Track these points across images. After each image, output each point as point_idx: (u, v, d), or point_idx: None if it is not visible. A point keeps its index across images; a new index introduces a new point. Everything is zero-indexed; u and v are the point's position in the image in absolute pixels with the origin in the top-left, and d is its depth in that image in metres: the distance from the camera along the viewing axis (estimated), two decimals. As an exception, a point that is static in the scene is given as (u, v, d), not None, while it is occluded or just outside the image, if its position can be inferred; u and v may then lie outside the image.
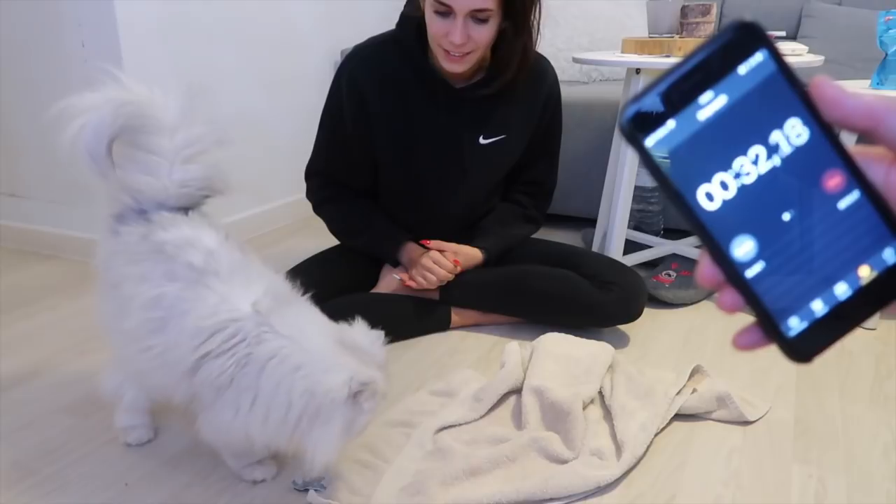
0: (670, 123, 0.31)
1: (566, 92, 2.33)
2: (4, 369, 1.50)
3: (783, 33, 1.98)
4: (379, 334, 1.05)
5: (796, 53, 1.81)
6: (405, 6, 1.56)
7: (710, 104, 0.30)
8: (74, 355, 1.56)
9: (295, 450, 1.04)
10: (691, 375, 1.39)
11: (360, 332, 1.03)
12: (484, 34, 1.40)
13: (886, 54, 1.63)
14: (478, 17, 1.38)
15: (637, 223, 2.20)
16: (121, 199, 1.08)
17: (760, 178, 0.31)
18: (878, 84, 1.65)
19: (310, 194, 1.71)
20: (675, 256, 2.01)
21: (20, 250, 2.25)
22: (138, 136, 1.04)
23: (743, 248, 0.31)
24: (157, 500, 1.10)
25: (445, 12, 1.37)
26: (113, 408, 1.23)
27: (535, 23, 1.48)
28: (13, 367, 1.51)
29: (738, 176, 0.31)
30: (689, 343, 1.62)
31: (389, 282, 1.68)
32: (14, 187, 2.27)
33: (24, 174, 2.22)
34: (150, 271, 1.01)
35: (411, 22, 1.51)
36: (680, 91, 0.30)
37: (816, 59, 1.79)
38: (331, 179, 1.67)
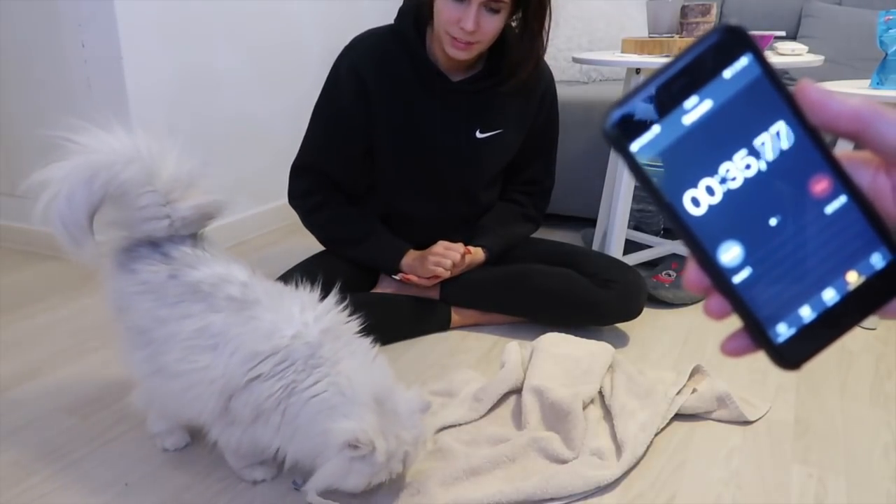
0: (655, 128, 0.31)
1: (566, 92, 2.34)
2: (4, 369, 1.50)
3: (783, 33, 1.98)
4: (423, 405, 1.05)
5: (796, 53, 1.81)
6: (403, 2, 1.57)
7: (696, 109, 0.30)
8: (74, 355, 1.56)
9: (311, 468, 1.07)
10: (691, 375, 1.39)
11: (407, 398, 1.04)
12: (493, 25, 1.43)
13: (886, 54, 1.63)
14: (491, 6, 1.40)
15: (637, 223, 2.20)
16: (128, 236, 1.09)
17: (747, 183, 0.30)
18: (877, 84, 1.65)
19: (295, 200, 1.66)
20: (674, 256, 2.01)
21: (20, 250, 2.25)
22: (123, 198, 1.04)
23: (730, 253, 0.31)
24: (157, 500, 1.10)
25: None
26: (145, 415, 1.22)
27: (548, 26, 1.51)
28: (13, 367, 1.51)
29: (724, 181, 0.31)
30: (689, 343, 1.62)
31: (390, 282, 1.68)
32: (14, 187, 2.26)
33: (24, 174, 2.21)
34: (190, 309, 1.03)
35: (409, 15, 1.54)
36: (665, 96, 0.30)
37: (816, 59, 1.79)
38: (320, 180, 1.63)
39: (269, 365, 0.99)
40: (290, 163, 1.66)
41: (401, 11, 1.57)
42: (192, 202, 1.06)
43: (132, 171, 1.01)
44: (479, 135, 1.61)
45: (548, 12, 1.48)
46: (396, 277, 1.64)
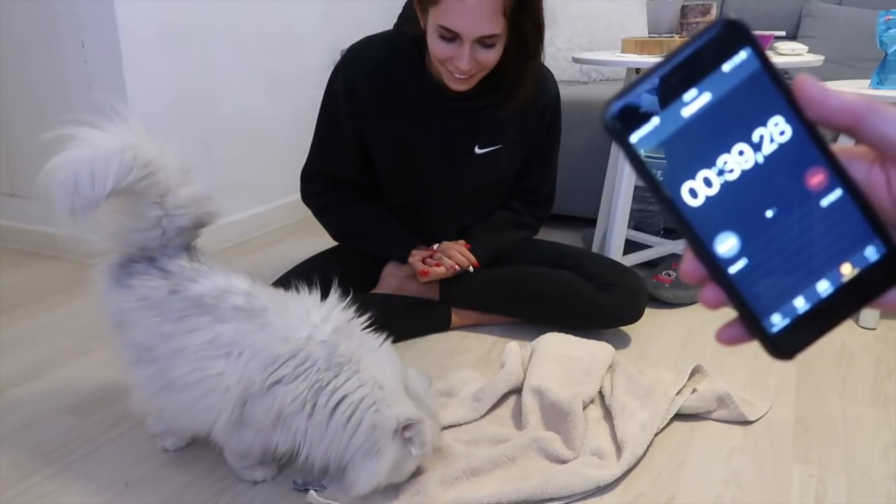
0: (655, 120, 0.31)
1: (566, 92, 2.33)
2: (4, 369, 1.50)
3: (783, 33, 1.98)
4: (429, 382, 1.13)
5: (796, 53, 1.81)
6: (404, 7, 1.54)
7: (695, 101, 0.31)
8: (74, 355, 1.56)
9: (336, 468, 1.06)
10: (691, 375, 1.39)
11: (416, 377, 1.10)
12: (491, 57, 1.40)
13: (886, 54, 1.63)
14: (485, 42, 1.37)
15: (637, 223, 2.20)
16: (120, 250, 1.09)
17: (744, 176, 0.31)
18: (877, 84, 1.65)
19: (309, 199, 1.69)
20: (674, 256, 2.01)
21: (20, 250, 2.25)
22: (134, 202, 1.04)
23: (726, 244, 0.31)
24: (157, 500, 1.10)
25: (451, 38, 1.36)
26: (141, 415, 1.21)
27: (542, 46, 1.49)
28: (13, 367, 1.51)
29: (721, 173, 0.31)
30: (689, 343, 1.62)
31: (390, 282, 1.68)
32: (14, 187, 2.27)
33: (24, 174, 2.22)
34: (197, 322, 1.02)
35: (408, 30, 1.50)
36: (664, 88, 0.31)
37: (816, 59, 1.79)
38: (329, 181, 1.65)
39: (290, 367, 0.99)
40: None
41: (400, 21, 1.54)
42: (188, 214, 1.07)
43: (158, 178, 1.01)
44: (478, 150, 1.59)
45: (543, 30, 1.44)
46: (418, 268, 1.59)
